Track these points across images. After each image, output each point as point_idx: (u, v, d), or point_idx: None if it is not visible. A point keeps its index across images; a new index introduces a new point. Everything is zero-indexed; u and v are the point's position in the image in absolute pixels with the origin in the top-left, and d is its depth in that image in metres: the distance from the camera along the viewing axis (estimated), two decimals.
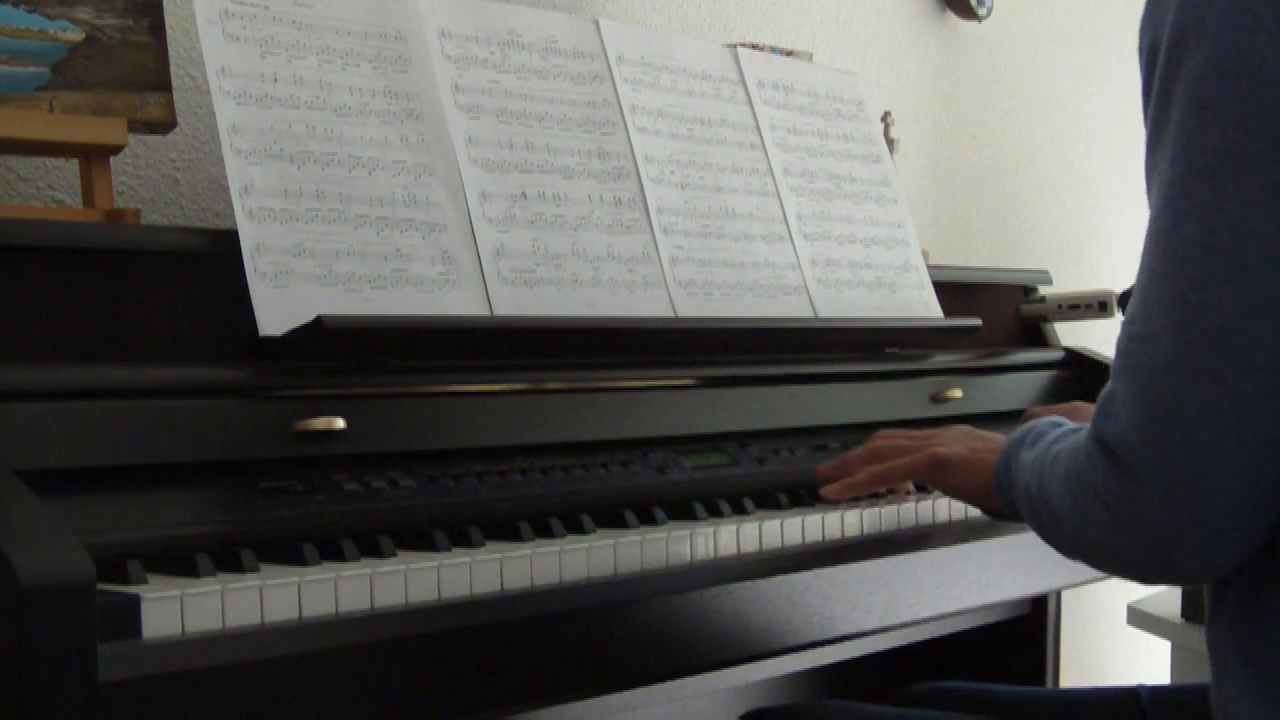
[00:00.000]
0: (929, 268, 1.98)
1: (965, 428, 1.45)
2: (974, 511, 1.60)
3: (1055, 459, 1.09)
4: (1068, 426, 1.18)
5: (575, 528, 1.32)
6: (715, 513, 1.44)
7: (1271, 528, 0.97)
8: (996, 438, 1.36)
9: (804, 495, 1.54)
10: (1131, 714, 1.37)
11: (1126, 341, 0.98)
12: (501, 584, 1.18)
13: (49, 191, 1.68)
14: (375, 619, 1.09)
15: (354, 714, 1.05)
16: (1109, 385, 1.00)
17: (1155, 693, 1.38)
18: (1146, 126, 1.01)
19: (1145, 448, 0.95)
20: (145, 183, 1.76)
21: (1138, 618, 2.39)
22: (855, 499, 1.56)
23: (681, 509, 1.42)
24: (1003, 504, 1.25)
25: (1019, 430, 1.23)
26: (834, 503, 1.48)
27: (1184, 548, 0.96)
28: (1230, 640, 1.01)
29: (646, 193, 1.67)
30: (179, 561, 1.09)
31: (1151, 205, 1.00)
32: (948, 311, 1.96)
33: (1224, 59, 0.93)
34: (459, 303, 1.45)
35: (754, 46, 1.94)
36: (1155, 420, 0.94)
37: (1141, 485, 0.95)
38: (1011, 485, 1.21)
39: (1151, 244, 0.98)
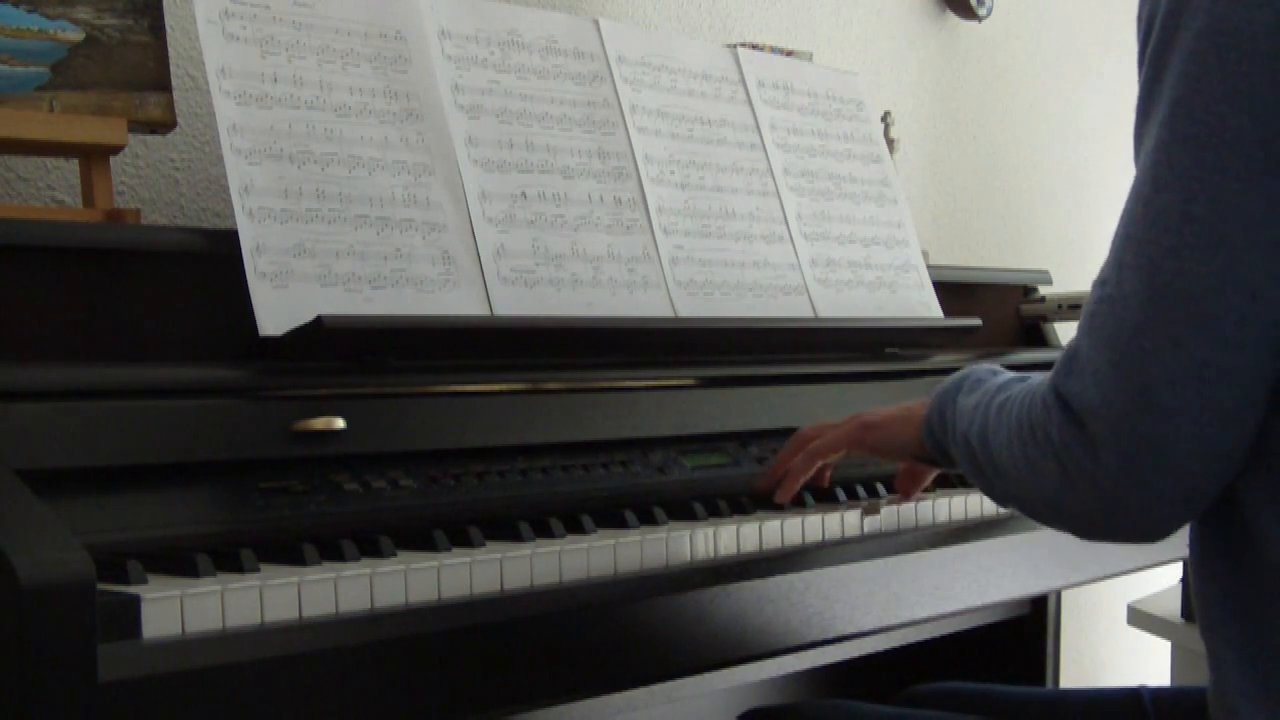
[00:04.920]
0: (929, 268, 1.98)
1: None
2: (973, 511, 1.60)
3: (1002, 408, 1.10)
4: (1008, 375, 1.19)
5: (575, 528, 1.32)
6: (715, 513, 1.44)
7: (1251, 515, 0.98)
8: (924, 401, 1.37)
9: (803, 495, 1.53)
10: (1133, 715, 1.37)
11: (1096, 302, 0.99)
12: (501, 584, 1.18)
13: (49, 191, 1.68)
14: (375, 619, 1.09)
15: (354, 714, 1.05)
16: (1074, 341, 1.01)
17: (1157, 694, 1.38)
18: (1139, 92, 1.02)
19: (1105, 408, 0.96)
20: (145, 183, 1.75)
21: (1138, 618, 2.39)
22: (853, 499, 1.56)
23: (681, 509, 1.42)
24: (934, 451, 1.27)
25: (954, 376, 1.24)
26: (781, 504, 1.48)
27: (1130, 507, 0.98)
28: (1228, 638, 1.02)
29: (646, 193, 1.67)
30: (179, 561, 1.09)
31: (1136, 172, 1.01)
32: (948, 311, 1.96)
33: (1216, 31, 0.94)
34: (459, 303, 1.45)
35: (754, 46, 1.94)
36: (1117, 382, 0.96)
37: (1096, 443, 0.97)
38: (945, 431, 1.22)
39: (1130, 207, 0.99)
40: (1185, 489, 0.96)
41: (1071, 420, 0.99)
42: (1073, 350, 1.01)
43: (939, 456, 1.28)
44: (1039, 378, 1.11)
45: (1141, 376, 0.95)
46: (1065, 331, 2.28)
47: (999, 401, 1.12)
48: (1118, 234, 1.00)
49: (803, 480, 1.47)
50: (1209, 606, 1.04)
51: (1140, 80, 1.02)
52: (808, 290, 1.80)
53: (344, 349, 1.34)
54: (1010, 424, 1.08)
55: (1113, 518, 1.00)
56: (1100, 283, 1.00)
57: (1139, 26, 1.04)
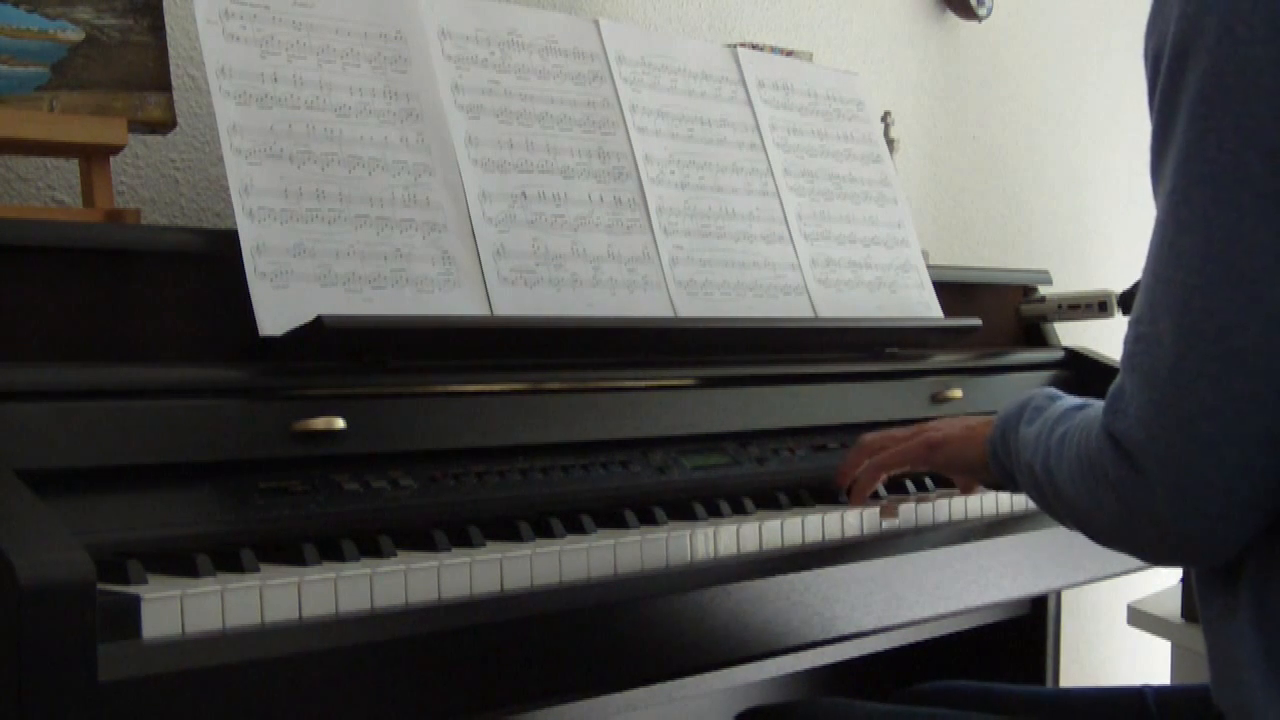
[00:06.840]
0: (929, 268, 1.98)
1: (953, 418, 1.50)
2: (974, 511, 1.60)
3: (1063, 440, 1.13)
4: (1068, 402, 1.21)
5: (575, 528, 1.32)
6: (715, 513, 1.44)
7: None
8: (988, 419, 1.39)
9: (804, 495, 1.54)
10: (1137, 714, 1.37)
11: (1133, 341, 1.02)
12: (501, 584, 1.18)
13: (49, 191, 1.68)
14: (375, 619, 1.09)
15: (354, 714, 1.05)
16: (1119, 380, 1.04)
17: (1161, 693, 1.38)
18: (1152, 132, 1.05)
19: (1151, 444, 0.99)
20: (145, 183, 1.75)
21: (1138, 618, 2.39)
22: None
23: (681, 509, 1.42)
24: (1000, 476, 1.31)
25: (1015, 402, 1.28)
26: (852, 504, 1.52)
27: (1189, 535, 1.00)
28: (1249, 637, 1.02)
29: (646, 193, 1.67)
30: (179, 561, 1.09)
31: (1157, 209, 1.03)
32: (948, 311, 1.96)
33: (1221, 72, 0.97)
34: (459, 303, 1.45)
35: (754, 46, 1.94)
36: (1159, 418, 0.99)
37: (1148, 478, 1.00)
38: (1010, 459, 1.26)
39: (1156, 249, 1.02)
40: (1241, 512, 0.99)
41: (1124, 458, 1.02)
42: (1118, 389, 1.04)
43: (1005, 481, 1.31)
44: (1096, 406, 1.13)
45: (1182, 410, 0.98)
46: (1065, 331, 2.28)
47: (1059, 434, 1.14)
48: (1146, 272, 1.03)
49: (871, 490, 1.51)
50: (1218, 603, 1.05)
51: (1153, 122, 1.04)
52: (808, 290, 1.80)
53: (344, 349, 1.34)
54: (1070, 458, 1.10)
55: (1177, 546, 1.03)
56: (1135, 321, 1.03)
57: (1146, 64, 1.06)
